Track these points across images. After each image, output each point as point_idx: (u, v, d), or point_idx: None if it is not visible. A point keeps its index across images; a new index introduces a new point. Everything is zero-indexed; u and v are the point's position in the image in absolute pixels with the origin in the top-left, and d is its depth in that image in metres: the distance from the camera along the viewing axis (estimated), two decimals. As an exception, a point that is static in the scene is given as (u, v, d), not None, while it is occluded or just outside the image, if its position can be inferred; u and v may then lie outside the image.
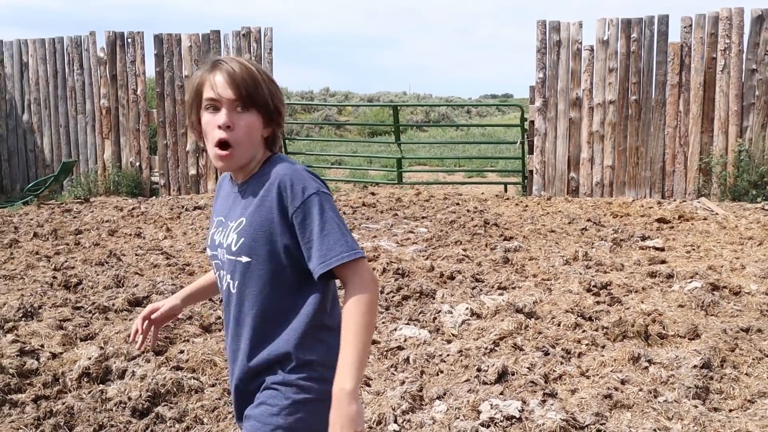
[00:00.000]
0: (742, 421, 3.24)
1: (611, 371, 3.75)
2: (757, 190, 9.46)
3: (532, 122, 10.71)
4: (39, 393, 3.59)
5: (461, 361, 3.94)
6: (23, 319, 4.69)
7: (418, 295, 5.18)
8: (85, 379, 3.76)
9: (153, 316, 2.06)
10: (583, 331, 4.37)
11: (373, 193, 11.32)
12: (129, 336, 4.31)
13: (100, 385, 3.70)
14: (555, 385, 3.64)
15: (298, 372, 1.72)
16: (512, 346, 4.13)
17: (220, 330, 4.62)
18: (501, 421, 3.20)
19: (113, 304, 5.01)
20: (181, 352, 4.11)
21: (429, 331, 4.49)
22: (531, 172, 10.84)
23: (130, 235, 7.76)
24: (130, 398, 3.50)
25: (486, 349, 4.09)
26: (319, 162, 15.26)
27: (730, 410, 3.39)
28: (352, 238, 1.70)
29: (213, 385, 3.72)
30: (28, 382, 3.73)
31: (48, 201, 10.96)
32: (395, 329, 4.48)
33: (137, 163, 11.94)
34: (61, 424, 3.27)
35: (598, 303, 4.93)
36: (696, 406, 3.33)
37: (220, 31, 11.54)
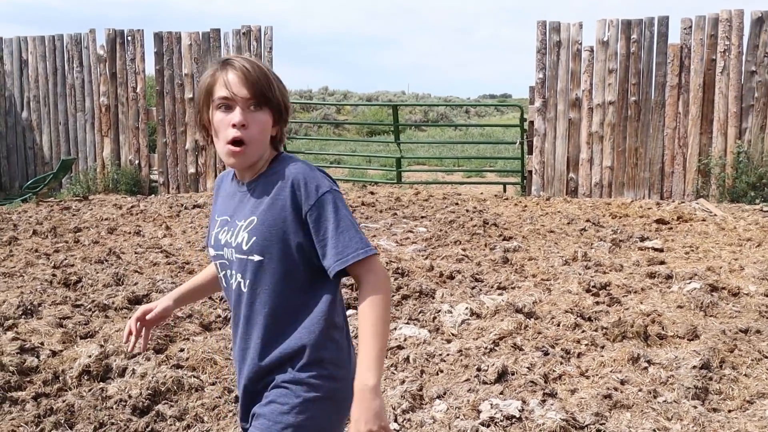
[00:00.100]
0: (741, 421, 3.25)
1: (611, 371, 3.76)
2: (756, 192, 9.48)
3: (532, 122, 10.72)
4: (39, 391, 3.59)
5: (461, 360, 3.95)
6: (23, 316, 4.69)
7: (417, 294, 5.18)
8: (86, 377, 3.76)
9: (148, 317, 2.04)
10: (583, 331, 4.38)
11: (372, 193, 11.33)
12: (124, 333, 4.33)
13: (101, 383, 3.70)
14: (555, 385, 3.65)
15: (309, 370, 1.73)
16: (512, 346, 4.14)
17: (220, 328, 4.62)
18: (501, 421, 3.21)
19: (113, 302, 5.01)
20: (182, 350, 4.12)
21: (429, 330, 4.50)
22: (530, 172, 10.85)
23: (130, 233, 7.76)
24: (130, 396, 3.50)
25: (486, 348, 4.10)
26: (318, 161, 15.26)
27: (729, 411, 3.41)
28: (364, 235, 1.73)
29: (213, 384, 3.73)
30: (28, 379, 3.73)
31: (47, 199, 10.96)
32: (395, 328, 4.49)
33: (136, 161, 11.94)
34: (62, 421, 3.27)
35: (597, 303, 4.94)
36: (695, 407, 3.34)
37: (220, 29, 11.53)
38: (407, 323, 4.60)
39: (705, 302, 4.86)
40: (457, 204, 9.75)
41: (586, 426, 3.17)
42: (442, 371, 3.86)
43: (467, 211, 9.08)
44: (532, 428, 3.15)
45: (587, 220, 8.24)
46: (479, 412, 3.32)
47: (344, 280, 2.58)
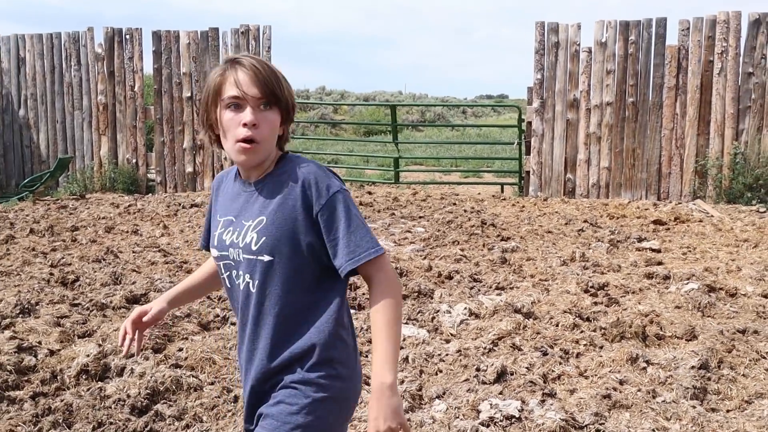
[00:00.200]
0: (739, 421, 3.26)
1: (610, 371, 3.77)
2: (752, 193, 9.51)
3: (530, 123, 10.73)
4: (37, 390, 3.58)
5: (460, 360, 3.95)
6: (20, 315, 4.68)
7: (416, 294, 5.18)
8: (84, 377, 3.75)
9: (144, 320, 2.00)
10: (581, 331, 4.39)
11: (369, 193, 11.33)
12: (119, 336, 4.32)
13: (99, 382, 3.69)
14: (554, 385, 3.66)
15: (318, 370, 1.73)
16: (511, 346, 4.14)
17: (218, 328, 4.62)
18: (501, 421, 3.21)
19: (111, 302, 5.00)
20: (180, 349, 4.11)
21: (427, 330, 4.50)
22: (528, 172, 10.86)
23: (127, 232, 7.75)
24: (129, 396, 3.49)
25: (485, 348, 4.10)
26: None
27: (728, 411, 3.41)
28: (374, 235, 1.73)
29: (212, 384, 3.72)
30: (26, 378, 3.72)
31: (43, 197, 10.93)
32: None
33: (134, 160, 11.92)
34: (60, 421, 3.26)
35: (595, 304, 4.95)
36: (694, 407, 3.35)
37: (218, 28, 11.52)
38: (406, 323, 4.60)
39: (703, 303, 4.87)
40: (454, 204, 9.76)
41: (586, 426, 3.17)
42: (441, 371, 3.87)
43: (465, 211, 9.09)
44: (532, 428, 3.15)
45: (585, 221, 8.25)
46: (479, 412, 3.32)
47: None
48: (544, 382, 3.67)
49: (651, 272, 5.74)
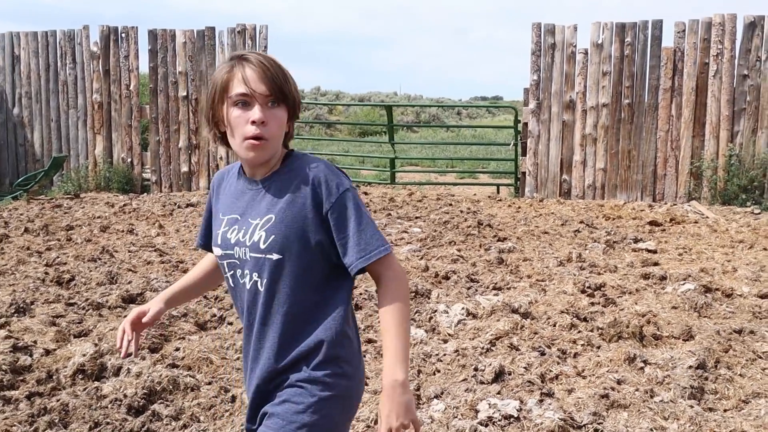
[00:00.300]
0: (737, 420, 3.26)
1: (607, 371, 3.77)
2: (747, 195, 9.54)
3: (526, 124, 10.74)
4: (33, 390, 3.56)
5: (458, 360, 3.94)
6: (15, 314, 4.65)
7: (413, 294, 5.18)
8: (80, 376, 3.73)
9: (144, 320, 1.97)
10: (579, 331, 4.39)
11: (365, 193, 11.32)
12: (117, 336, 4.30)
13: (95, 382, 3.67)
14: (552, 385, 3.66)
15: (324, 368, 1.72)
16: (508, 346, 4.14)
17: (215, 328, 4.60)
18: (499, 420, 3.21)
19: (107, 301, 4.98)
20: (177, 349, 4.09)
21: (425, 330, 4.49)
22: (524, 173, 10.87)
23: (123, 231, 7.72)
24: (125, 396, 3.47)
25: (482, 348, 4.10)
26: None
27: (725, 410, 3.42)
28: (382, 232, 1.74)
29: (209, 383, 3.70)
30: (21, 378, 3.70)
31: (38, 196, 10.89)
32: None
33: (129, 159, 11.88)
34: (56, 421, 3.24)
35: (592, 304, 4.95)
36: (692, 406, 3.35)
37: (215, 27, 11.50)
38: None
39: (699, 303, 4.88)
40: (451, 205, 9.76)
41: (584, 425, 3.17)
42: (439, 371, 3.86)
43: (461, 212, 9.09)
44: (531, 428, 3.15)
45: (581, 222, 8.26)
46: (477, 411, 3.32)
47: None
48: (542, 382, 3.67)
49: (647, 273, 5.75)
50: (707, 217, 8.59)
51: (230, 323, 4.63)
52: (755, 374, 3.81)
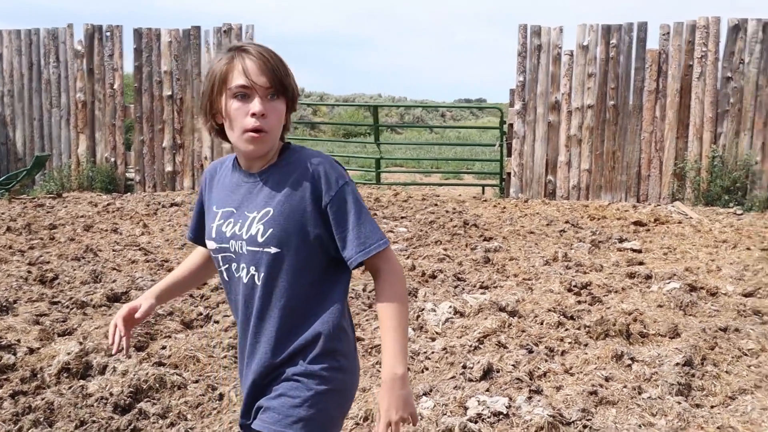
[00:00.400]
0: (724, 416, 3.29)
1: (595, 368, 3.78)
2: (730, 196, 9.63)
3: (511, 125, 10.78)
4: (17, 388, 3.51)
5: (446, 358, 3.94)
6: (-1, 313, 4.59)
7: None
8: (65, 375, 3.68)
9: (136, 316, 1.93)
10: (566, 329, 4.40)
11: (351, 193, 11.29)
12: (109, 332, 4.26)
13: (81, 380, 3.63)
14: (540, 382, 3.66)
15: (321, 362, 1.71)
16: (496, 344, 4.14)
17: (201, 326, 4.57)
18: (488, 417, 3.21)
19: (91, 300, 4.93)
20: (163, 348, 4.05)
21: (413, 329, 4.49)
22: (509, 174, 10.90)
23: (106, 230, 7.65)
24: (111, 394, 3.43)
25: (470, 346, 4.10)
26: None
27: (712, 406, 3.44)
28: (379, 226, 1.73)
29: (196, 382, 3.67)
30: (4, 377, 3.65)
31: (19, 195, 10.77)
32: (378, 327, 4.47)
33: (112, 159, 11.78)
34: (41, 419, 3.20)
35: (579, 302, 4.97)
36: (679, 402, 3.37)
37: (200, 27, 11.44)
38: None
39: (684, 302, 4.91)
40: (436, 205, 9.76)
41: (573, 422, 3.18)
42: (427, 369, 3.86)
43: (447, 212, 9.10)
44: (520, 424, 3.15)
45: (566, 222, 8.30)
46: (466, 408, 3.31)
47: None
48: (531, 379, 3.67)
49: (633, 272, 5.78)
50: (691, 218, 8.66)
51: (216, 322, 4.60)
52: (741, 371, 3.84)
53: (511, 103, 10.79)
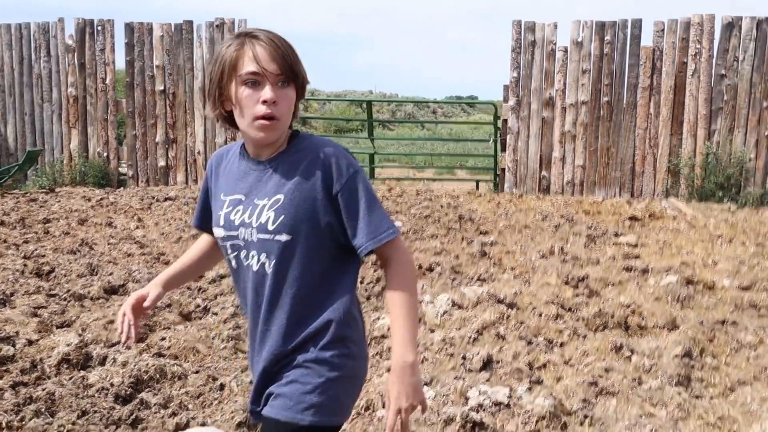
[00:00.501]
0: (724, 407, 3.31)
1: (594, 360, 3.80)
2: (724, 192, 9.68)
3: (505, 121, 10.80)
4: (17, 379, 3.49)
5: (446, 349, 3.95)
6: (-5, 305, 4.56)
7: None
8: (65, 366, 3.67)
9: (145, 304, 1.93)
10: (564, 321, 4.42)
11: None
12: (108, 323, 4.25)
13: (81, 371, 3.62)
14: (540, 373, 3.68)
15: (332, 348, 1.71)
16: (495, 336, 4.15)
17: (200, 318, 4.56)
18: (490, 407, 3.22)
19: (89, 292, 4.91)
20: (163, 339, 4.05)
21: (412, 320, 4.49)
22: (503, 170, 10.92)
23: (101, 224, 7.62)
24: (112, 384, 3.43)
25: (469, 338, 4.11)
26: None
27: (712, 397, 3.46)
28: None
29: (197, 372, 3.67)
30: (4, 368, 3.63)
31: (12, 190, 10.69)
32: (377, 318, 4.47)
33: (105, 154, 11.71)
34: (42, 410, 3.19)
35: (576, 295, 4.99)
36: (679, 393, 3.39)
37: (192, 21, 11.38)
38: (389, 313, 4.59)
39: (682, 295, 4.94)
40: (431, 200, 9.76)
41: (575, 412, 3.19)
42: (427, 359, 3.86)
43: (442, 206, 9.10)
44: (521, 414, 3.16)
45: (561, 216, 8.32)
46: (467, 398, 3.32)
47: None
48: (531, 370, 3.69)
49: (629, 266, 5.80)
50: (685, 214, 8.70)
51: (215, 314, 4.59)
52: (740, 363, 3.87)
53: (505, 98, 10.80)
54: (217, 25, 11.24)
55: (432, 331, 4.32)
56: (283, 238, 1.68)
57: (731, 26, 9.73)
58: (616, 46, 10.19)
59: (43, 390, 3.33)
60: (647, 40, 10.11)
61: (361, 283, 5.19)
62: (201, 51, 11.29)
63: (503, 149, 10.90)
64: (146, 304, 1.94)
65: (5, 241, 6.60)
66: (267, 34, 1.68)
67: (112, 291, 5.02)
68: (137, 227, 7.52)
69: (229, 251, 1.79)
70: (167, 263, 5.87)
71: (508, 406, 3.25)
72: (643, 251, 6.58)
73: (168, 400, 3.35)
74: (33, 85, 11.86)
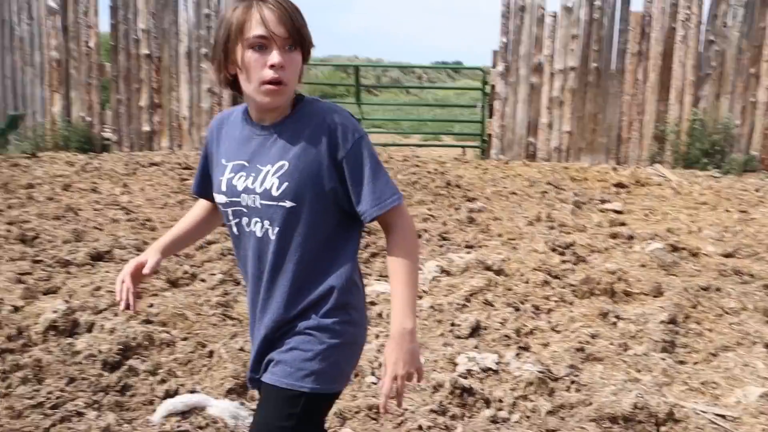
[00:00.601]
0: (707, 372, 3.36)
1: (581, 326, 3.84)
2: (708, 158, 9.72)
3: (494, 86, 10.74)
4: (3, 346, 3.47)
5: (434, 316, 3.97)
6: (-20, 272, 4.52)
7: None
8: (52, 333, 3.65)
9: (144, 271, 1.89)
10: (552, 288, 4.45)
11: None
12: (96, 290, 4.23)
13: (68, 338, 3.60)
14: (528, 339, 3.71)
15: (333, 316, 1.70)
16: (483, 302, 4.18)
17: (187, 284, 4.55)
18: (478, 373, 3.25)
19: (75, 258, 4.87)
20: (150, 305, 4.03)
21: (400, 287, 4.50)
22: (490, 135, 10.89)
23: (86, 190, 7.54)
24: (100, 351, 3.41)
25: (458, 304, 4.13)
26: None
27: (695, 363, 3.52)
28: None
29: (185, 339, 3.66)
30: (-10, 335, 3.61)
31: (-6, 155, 10.55)
32: (366, 285, 4.48)
33: (88, 119, 11.55)
34: (30, 377, 3.17)
35: (563, 262, 5.01)
36: (664, 359, 3.44)
37: (177, -17, 11.16)
38: (378, 280, 4.61)
39: (667, 261, 4.98)
40: (417, 166, 9.73)
41: (562, 378, 3.23)
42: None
43: (429, 172, 9.08)
44: (510, 380, 3.19)
45: (548, 183, 8.34)
46: (456, 365, 3.35)
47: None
48: (518, 336, 3.72)
49: (615, 232, 5.84)
50: (670, 180, 8.75)
51: (203, 280, 4.58)
52: (723, 329, 3.92)
53: (493, 64, 10.73)
54: (201, -13, 11.02)
55: (420, 297, 4.34)
56: (288, 204, 1.67)
57: (721, -8, 9.68)
58: (606, 11, 10.12)
59: (30, 357, 3.31)
60: (637, 5, 10.08)
61: (349, 249, 5.19)
62: (187, 15, 11.09)
63: (490, 115, 10.86)
64: (145, 271, 1.91)
65: (-12, 207, 6.53)
66: None
67: (98, 257, 4.98)
68: (123, 193, 7.46)
69: (231, 217, 1.77)
70: (153, 229, 5.84)
71: (496, 372, 3.28)
72: (629, 218, 6.62)
73: (156, 366, 3.35)
74: (14, 48, 11.63)
